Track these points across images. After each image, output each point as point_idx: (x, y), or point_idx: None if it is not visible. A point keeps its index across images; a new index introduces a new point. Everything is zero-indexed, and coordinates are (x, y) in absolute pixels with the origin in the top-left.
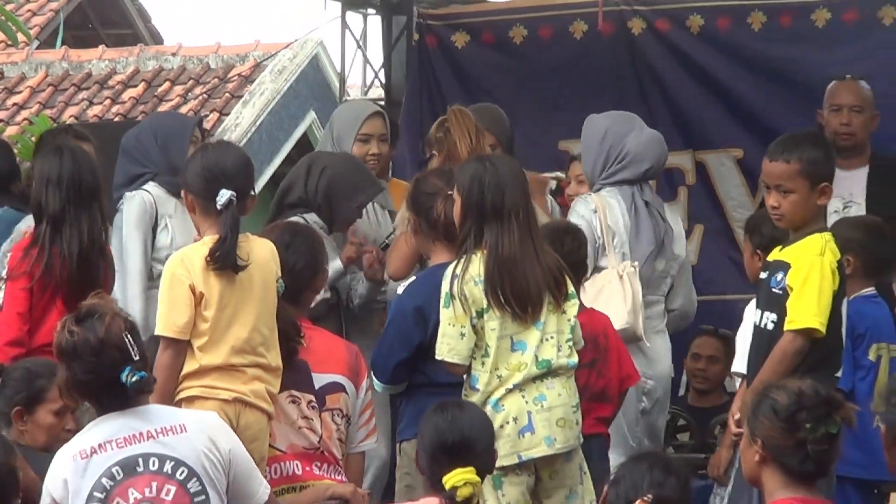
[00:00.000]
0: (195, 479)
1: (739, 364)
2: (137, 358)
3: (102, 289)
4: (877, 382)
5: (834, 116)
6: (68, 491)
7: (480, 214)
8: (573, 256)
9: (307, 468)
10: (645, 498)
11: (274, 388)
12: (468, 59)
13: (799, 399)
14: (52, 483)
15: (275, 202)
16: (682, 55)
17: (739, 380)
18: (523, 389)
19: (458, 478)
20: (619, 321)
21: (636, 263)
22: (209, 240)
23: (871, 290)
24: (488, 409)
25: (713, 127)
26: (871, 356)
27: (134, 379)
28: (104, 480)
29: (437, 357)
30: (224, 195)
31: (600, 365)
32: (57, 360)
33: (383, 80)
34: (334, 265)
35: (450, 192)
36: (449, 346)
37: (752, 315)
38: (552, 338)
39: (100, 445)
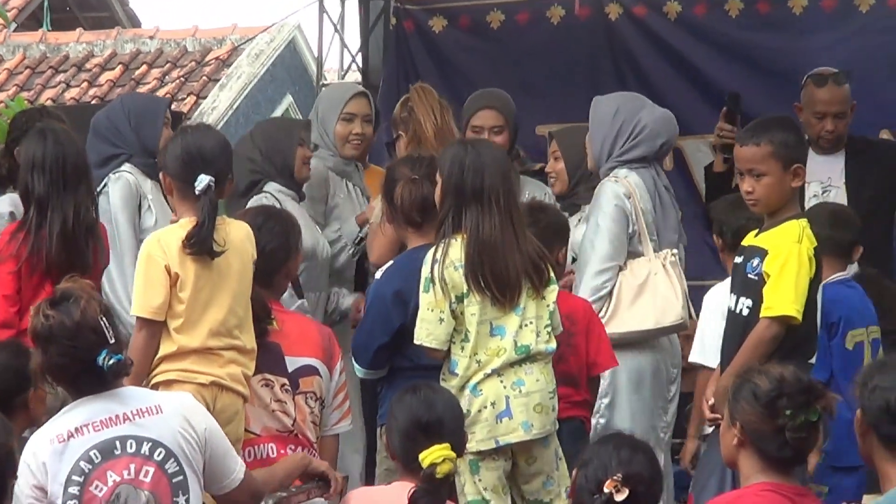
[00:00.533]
0: (173, 459)
1: (697, 354)
2: (113, 341)
3: (93, 268)
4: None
5: (817, 122)
6: (47, 474)
7: (460, 197)
8: (549, 232)
9: (282, 451)
10: (614, 478)
11: (249, 370)
12: (445, 44)
13: (780, 385)
14: (35, 465)
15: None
16: (660, 41)
17: (700, 370)
18: (501, 374)
19: (438, 454)
20: (672, 315)
21: (675, 251)
22: (186, 222)
23: (843, 275)
24: (466, 393)
25: (689, 113)
26: (849, 345)
27: (111, 362)
28: (82, 464)
29: (416, 341)
30: (203, 180)
31: (563, 349)
32: (32, 344)
33: (360, 65)
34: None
35: (414, 178)
36: (427, 330)
37: (711, 304)
38: (531, 323)
39: (77, 429)
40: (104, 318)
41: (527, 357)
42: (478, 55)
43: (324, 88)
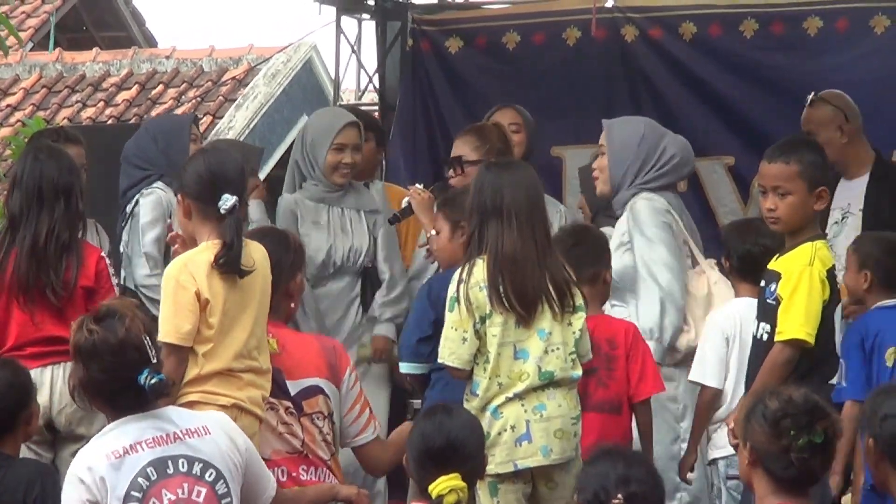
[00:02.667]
0: (222, 481)
1: (696, 373)
2: (155, 361)
3: (64, 286)
4: None
5: None
6: (106, 489)
7: (482, 215)
8: (596, 250)
9: (293, 473)
10: (615, 500)
11: (266, 391)
12: (462, 65)
13: (786, 406)
14: (91, 479)
15: None
16: (675, 62)
17: (698, 389)
18: (523, 399)
19: (443, 486)
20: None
21: (714, 261)
22: (211, 245)
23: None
24: (487, 415)
25: (705, 134)
26: (889, 361)
27: (153, 381)
28: (140, 480)
29: (439, 360)
30: (228, 200)
31: (603, 374)
32: (73, 359)
33: (377, 85)
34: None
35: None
36: (450, 349)
37: (713, 324)
38: (557, 349)
39: (131, 446)
40: (148, 337)
41: (550, 382)
42: (494, 76)
43: (313, 115)
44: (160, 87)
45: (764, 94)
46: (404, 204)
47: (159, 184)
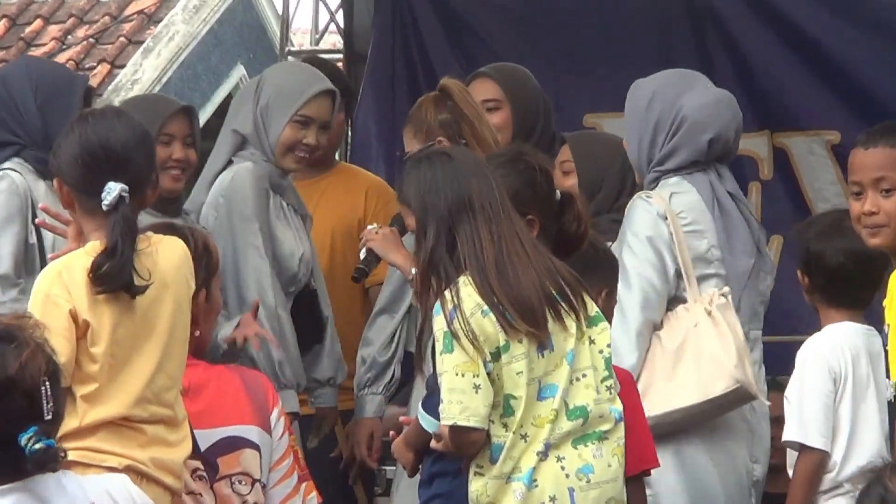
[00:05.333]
0: None
1: (794, 431)
2: (49, 417)
3: None
4: None
5: None
6: None
7: (442, 219)
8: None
9: None
10: None
11: (182, 451)
12: (462, 1)
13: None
14: None
15: None
16: (758, 2)
17: (796, 454)
18: (561, 457)
19: None
20: (723, 381)
21: (727, 290)
22: (96, 247)
23: None
24: (518, 486)
25: (799, 101)
26: None
27: (37, 447)
28: None
29: (445, 422)
30: (111, 190)
31: None
32: None
33: (342, 25)
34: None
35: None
36: (461, 404)
37: (807, 361)
38: (585, 376)
39: None
40: (48, 384)
41: (586, 426)
42: (507, 19)
43: (276, 68)
44: (37, 22)
45: (882, 47)
46: (362, 255)
47: (15, 162)
